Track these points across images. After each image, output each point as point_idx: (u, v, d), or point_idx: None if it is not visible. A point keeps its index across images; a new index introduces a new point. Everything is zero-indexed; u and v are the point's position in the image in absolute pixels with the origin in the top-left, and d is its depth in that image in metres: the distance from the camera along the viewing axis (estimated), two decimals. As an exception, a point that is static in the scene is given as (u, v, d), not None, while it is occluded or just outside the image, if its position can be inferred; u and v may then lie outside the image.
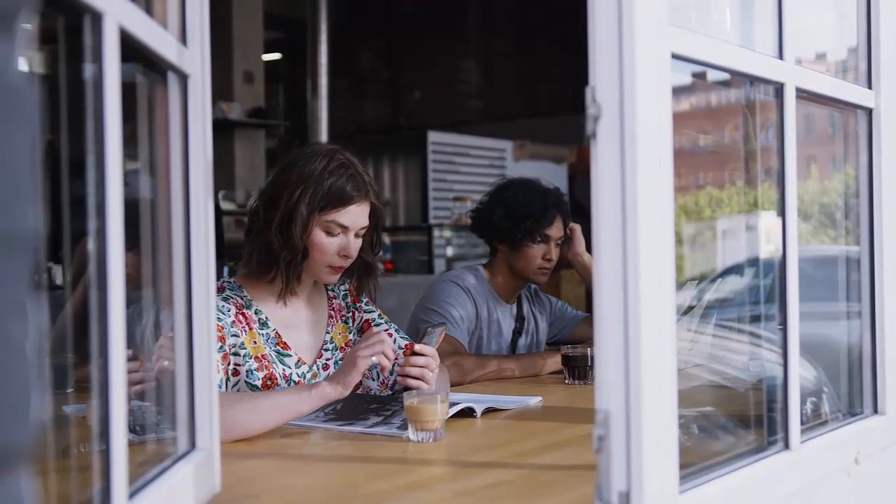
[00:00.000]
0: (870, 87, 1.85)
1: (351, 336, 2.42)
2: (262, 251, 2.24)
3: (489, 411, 2.22)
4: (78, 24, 1.03)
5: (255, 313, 2.25)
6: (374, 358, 2.00)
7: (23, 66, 0.58)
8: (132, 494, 1.11)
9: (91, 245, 1.04)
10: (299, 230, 2.19)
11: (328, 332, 2.38)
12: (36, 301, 0.59)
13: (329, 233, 2.23)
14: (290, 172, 2.22)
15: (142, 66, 1.29)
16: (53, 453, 1.23)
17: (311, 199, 2.19)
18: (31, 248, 0.58)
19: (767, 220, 1.88)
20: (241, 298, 2.24)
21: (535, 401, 2.38)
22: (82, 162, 1.05)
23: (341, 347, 2.39)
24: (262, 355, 2.21)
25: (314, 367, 2.31)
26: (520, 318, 3.18)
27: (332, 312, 2.41)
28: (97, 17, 1.01)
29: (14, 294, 0.56)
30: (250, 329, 2.22)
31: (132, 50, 1.14)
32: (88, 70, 1.04)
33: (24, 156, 0.56)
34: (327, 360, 2.35)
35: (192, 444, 1.39)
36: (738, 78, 1.63)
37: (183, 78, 1.36)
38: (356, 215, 2.25)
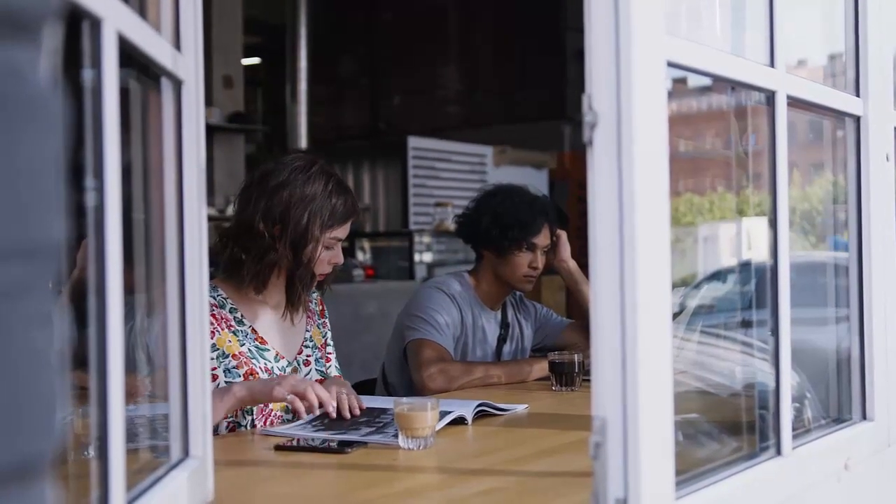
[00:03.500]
0: (857, 95, 1.86)
1: (323, 340, 2.53)
2: (268, 268, 2.30)
3: (481, 415, 2.23)
4: (75, 30, 1.02)
5: (230, 312, 2.31)
6: (289, 397, 2.05)
7: (48, 75, 0.57)
8: (129, 503, 1.10)
9: (79, 251, 1.04)
10: (311, 251, 2.29)
11: (308, 331, 2.47)
12: (59, 310, 0.59)
13: (327, 247, 2.34)
14: (290, 192, 2.28)
15: (135, 71, 1.28)
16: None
17: (322, 221, 2.29)
18: (55, 258, 0.57)
19: (750, 226, 1.89)
20: (214, 298, 2.27)
21: (522, 408, 2.39)
22: (79, 167, 1.04)
23: (319, 346, 2.49)
24: (240, 352, 2.27)
25: (294, 363, 2.40)
26: (504, 325, 3.18)
27: (310, 313, 2.51)
28: (96, 23, 1.00)
29: (38, 304, 0.55)
30: (222, 329, 2.27)
31: (127, 55, 1.13)
32: (86, 75, 1.03)
33: (48, 164, 0.56)
34: (308, 356, 2.45)
35: (186, 453, 1.38)
36: (719, 84, 1.64)
37: (177, 84, 1.36)
38: (349, 227, 2.39)
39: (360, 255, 7.67)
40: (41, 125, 0.56)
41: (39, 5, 0.56)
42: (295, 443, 1.94)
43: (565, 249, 3.17)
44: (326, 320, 2.57)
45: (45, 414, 0.56)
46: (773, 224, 1.56)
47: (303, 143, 8.69)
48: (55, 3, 0.59)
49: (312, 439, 1.96)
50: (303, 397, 2.06)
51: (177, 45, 1.36)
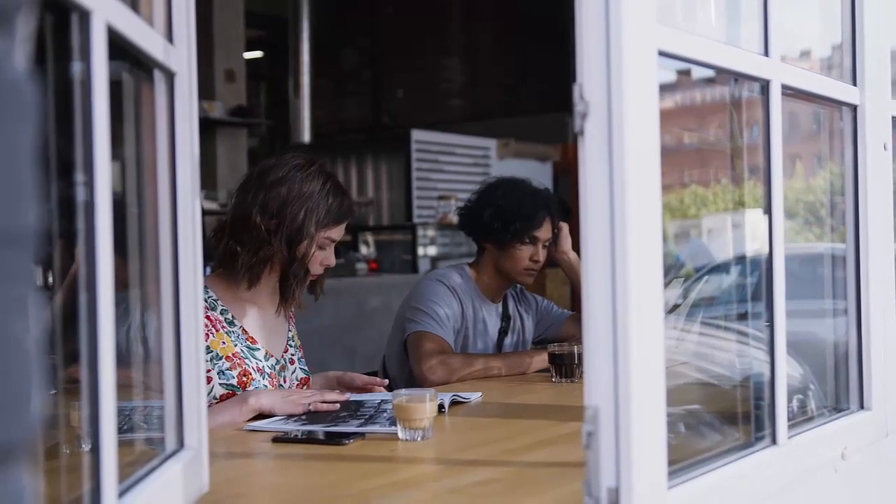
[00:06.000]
0: (854, 84, 1.86)
1: (299, 341, 2.58)
2: (262, 262, 2.32)
3: (454, 404, 2.28)
4: (65, 22, 1.02)
5: (221, 313, 2.34)
6: (311, 407, 2.16)
7: (22, 63, 0.58)
8: (121, 494, 1.11)
9: (77, 246, 1.04)
10: (305, 247, 2.32)
11: (290, 331, 2.52)
12: (37, 298, 0.59)
13: (320, 247, 2.37)
14: (288, 188, 2.31)
15: (128, 63, 1.28)
16: (40, 453, 1.22)
17: (317, 219, 2.32)
18: (31, 245, 0.58)
19: (752, 218, 1.89)
20: (206, 300, 2.28)
21: (475, 396, 2.42)
22: (67, 161, 1.04)
23: (299, 346, 2.54)
24: (234, 353, 2.31)
25: (282, 360, 2.44)
26: (506, 317, 3.18)
27: (291, 314, 2.54)
28: (85, 15, 1.01)
29: (16, 290, 0.56)
30: (217, 331, 2.30)
31: (118, 48, 1.13)
32: (75, 68, 1.03)
33: (24, 153, 0.56)
34: (292, 355, 2.49)
35: (181, 444, 1.39)
36: (723, 75, 1.63)
37: (169, 76, 1.36)
38: (343, 230, 2.42)
39: (363, 249, 7.68)
40: (16, 113, 0.56)
41: (13, -5, 0.56)
42: (296, 434, 1.95)
43: (566, 242, 3.17)
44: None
45: (21, 400, 0.56)
46: (768, 213, 1.56)
47: (306, 136, 8.70)
48: None
49: (306, 431, 1.97)
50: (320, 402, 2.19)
51: (169, 37, 1.36)
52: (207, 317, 2.28)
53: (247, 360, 2.31)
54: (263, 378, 2.32)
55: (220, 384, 2.26)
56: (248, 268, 2.31)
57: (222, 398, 2.24)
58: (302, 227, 2.30)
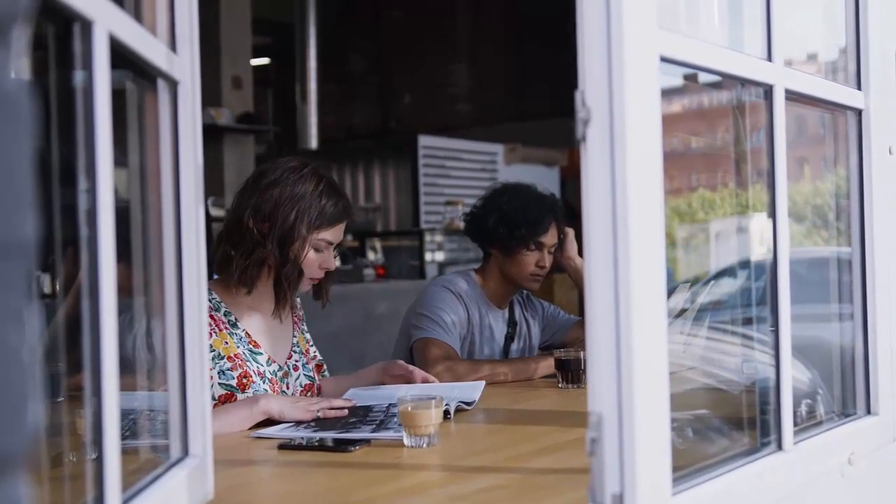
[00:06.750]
0: (859, 88, 1.85)
1: (307, 344, 2.57)
2: (256, 265, 2.32)
3: (459, 410, 2.27)
4: (67, 31, 1.02)
5: (225, 315, 2.35)
6: (319, 414, 2.16)
7: (18, 74, 0.58)
8: (125, 501, 1.11)
9: (81, 254, 1.04)
10: (297, 249, 2.31)
11: (294, 337, 2.51)
12: (33, 308, 0.60)
13: (317, 249, 2.36)
14: (281, 190, 2.31)
15: (131, 72, 1.29)
16: (45, 462, 1.23)
17: (309, 220, 2.31)
18: (28, 256, 0.58)
19: (760, 222, 1.88)
20: (210, 301, 2.29)
21: (479, 387, 2.45)
22: (72, 169, 1.04)
23: (304, 352, 2.53)
24: (235, 354, 2.31)
25: (285, 367, 2.44)
26: (512, 323, 3.18)
27: (296, 320, 2.55)
28: (87, 25, 1.01)
29: (12, 301, 0.56)
30: (220, 331, 2.31)
31: (121, 57, 1.14)
32: (78, 77, 1.04)
33: (21, 164, 0.56)
34: (296, 361, 2.49)
35: (185, 451, 1.39)
36: (729, 80, 1.63)
37: (173, 84, 1.36)
38: (341, 232, 2.41)
39: (370, 255, 7.67)
40: (12, 124, 0.56)
41: (9, 6, 0.56)
42: (301, 441, 1.95)
43: (572, 247, 3.16)
44: (305, 325, 2.61)
45: (18, 410, 0.56)
46: (772, 217, 1.56)
47: (313, 143, 8.70)
48: (25, 4, 0.59)
49: (316, 438, 1.96)
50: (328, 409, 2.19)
51: (172, 45, 1.37)
52: (211, 316, 2.29)
53: (248, 363, 2.31)
54: (264, 382, 2.32)
55: (219, 384, 2.26)
56: (242, 270, 2.30)
57: (221, 399, 2.24)
58: (293, 227, 2.30)
